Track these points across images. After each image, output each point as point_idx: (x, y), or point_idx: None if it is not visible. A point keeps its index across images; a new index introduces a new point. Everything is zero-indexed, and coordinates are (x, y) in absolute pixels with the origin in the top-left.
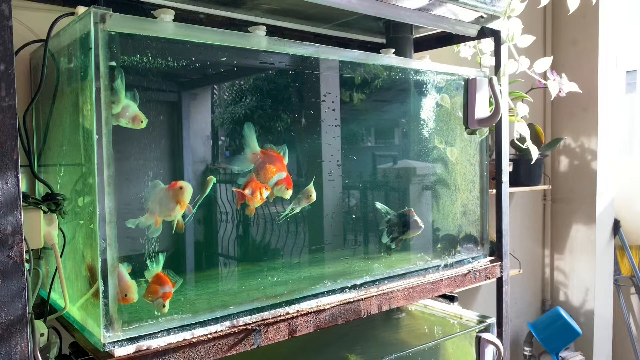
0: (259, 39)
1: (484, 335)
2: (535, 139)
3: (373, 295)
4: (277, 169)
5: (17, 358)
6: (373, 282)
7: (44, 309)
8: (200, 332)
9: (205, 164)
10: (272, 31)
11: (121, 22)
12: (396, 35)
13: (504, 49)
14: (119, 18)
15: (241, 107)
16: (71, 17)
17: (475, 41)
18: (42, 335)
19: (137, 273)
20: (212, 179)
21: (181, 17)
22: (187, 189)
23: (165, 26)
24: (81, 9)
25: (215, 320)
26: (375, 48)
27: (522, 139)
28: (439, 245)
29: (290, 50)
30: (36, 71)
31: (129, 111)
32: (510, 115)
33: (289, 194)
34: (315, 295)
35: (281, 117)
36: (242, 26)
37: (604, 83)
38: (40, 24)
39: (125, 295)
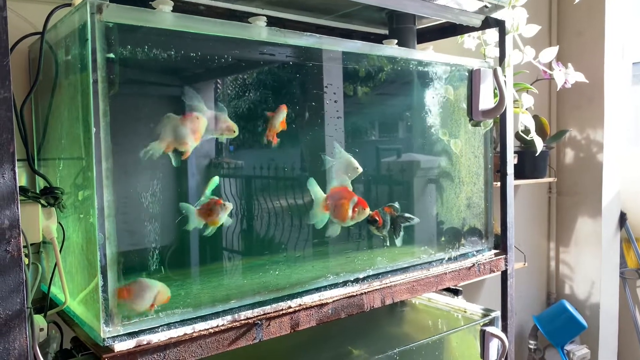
0: (259, 30)
1: (489, 328)
2: (540, 130)
3: (376, 289)
4: (349, 198)
5: (16, 353)
6: (376, 276)
7: (44, 303)
8: (201, 326)
9: (209, 159)
10: (273, 22)
11: (118, 12)
12: (399, 26)
13: (508, 39)
14: (116, 8)
15: (244, 100)
16: (68, 8)
17: (480, 32)
18: (41, 330)
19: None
20: (215, 180)
21: (181, 8)
22: (203, 119)
23: (163, 17)
24: (78, 0)
25: (217, 315)
26: (377, 39)
27: (526, 131)
28: (442, 239)
29: (291, 41)
30: (35, 64)
31: (221, 122)
32: (515, 107)
33: (367, 212)
34: (318, 289)
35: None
36: (243, 18)
37: (610, 74)
38: (39, 16)
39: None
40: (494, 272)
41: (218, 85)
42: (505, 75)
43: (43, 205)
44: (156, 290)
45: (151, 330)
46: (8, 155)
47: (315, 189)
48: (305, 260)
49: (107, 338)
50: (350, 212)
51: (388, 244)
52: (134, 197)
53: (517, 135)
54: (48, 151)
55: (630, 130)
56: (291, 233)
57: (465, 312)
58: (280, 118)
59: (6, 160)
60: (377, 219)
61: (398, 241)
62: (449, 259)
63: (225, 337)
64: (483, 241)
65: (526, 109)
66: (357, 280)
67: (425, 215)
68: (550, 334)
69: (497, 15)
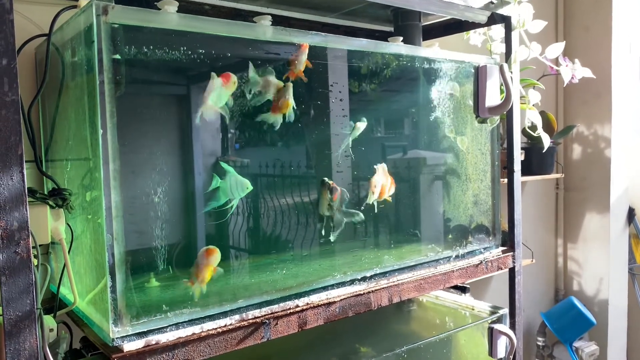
0: (264, 29)
1: (497, 326)
2: (547, 126)
3: (383, 287)
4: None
5: (26, 354)
6: (383, 274)
7: (54, 304)
8: (209, 326)
9: (214, 157)
10: (278, 21)
11: (124, 13)
12: (404, 23)
13: (514, 35)
14: (122, 10)
15: (250, 99)
16: (74, 9)
17: (485, 28)
18: (51, 330)
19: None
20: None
21: (186, 8)
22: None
23: (169, 17)
24: (84, 1)
25: (225, 314)
26: (383, 37)
27: (533, 127)
28: (450, 236)
29: (297, 40)
30: (41, 66)
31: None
32: (521, 103)
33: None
34: (325, 288)
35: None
36: (248, 17)
37: (617, 69)
38: (45, 17)
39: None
40: (501, 269)
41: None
42: (511, 72)
43: (51, 207)
44: (201, 251)
45: (160, 330)
46: (16, 158)
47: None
48: (312, 259)
49: (116, 338)
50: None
51: (325, 232)
52: (140, 197)
53: (523, 132)
54: (55, 152)
55: (638, 125)
56: (297, 231)
57: (473, 309)
58: (304, 56)
59: (14, 162)
60: (337, 189)
61: (332, 235)
62: (457, 256)
63: (234, 337)
64: (490, 238)
65: (533, 105)
66: (364, 279)
67: (432, 213)
68: (559, 331)
69: (503, 11)
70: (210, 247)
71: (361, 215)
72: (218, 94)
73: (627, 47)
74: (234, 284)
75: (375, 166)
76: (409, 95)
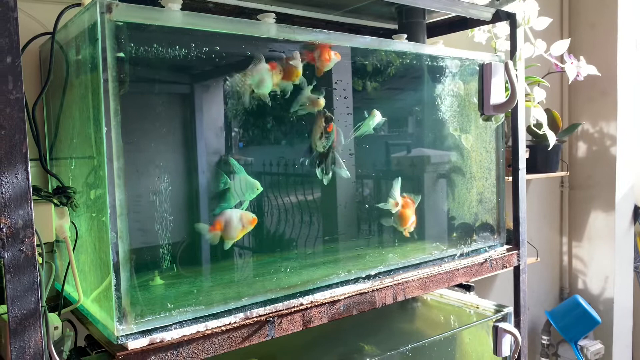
0: (268, 27)
1: (501, 324)
2: (553, 124)
3: (388, 286)
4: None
5: (31, 352)
6: (388, 272)
7: (58, 302)
8: (213, 324)
9: (219, 156)
10: (282, 19)
11: (128, 11)
12: (409, 20)
13: (519, 32)
14: (126, 7)
15: (253, 97)
16: (78, 7)
17: (490, 25)
18: (56, 328)
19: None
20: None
21: (190, 6)
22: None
23: (173, 15)
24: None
25: (229, 312)
26: (387, 34)
27: (538, 125)
28: (454, 234)
29: (301, 38)
30: (45, 64)
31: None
32: (526, 101)
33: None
34: (329, 286)
35: (292, 106)
36: (252, 14)
37: (623, 66)
38: (49, 16)
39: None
40: (506, 267)
41: (227, 82)
42: (516, 69)
43: (56, 205)
44: (240, 214)
45: (164, 328)
46: (21, 156)
47: (396, 188)
48: (316, 257)
49: (121, 336)
50: (410, 222)
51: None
52: (145, 195)
53: (528, 129)
54: (60, 150)
55: None
56: (301, 230)
57: (477, 308)
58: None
59: (19, 160)
60: (333, 120)
61: (318, 172)
62: (461, 254)
63: (238, 335)
64: (495, 236)
65: (538, 103)
66: (368, 277)
67: (437, 211)
68: (564, 329)
69: (507, 8)
70: (251, 215)
71: (347, 173)
72: (262, 78)
73: (632, 44)
74: (238, 281)
75: (404, 195)
76: (413, 93)
